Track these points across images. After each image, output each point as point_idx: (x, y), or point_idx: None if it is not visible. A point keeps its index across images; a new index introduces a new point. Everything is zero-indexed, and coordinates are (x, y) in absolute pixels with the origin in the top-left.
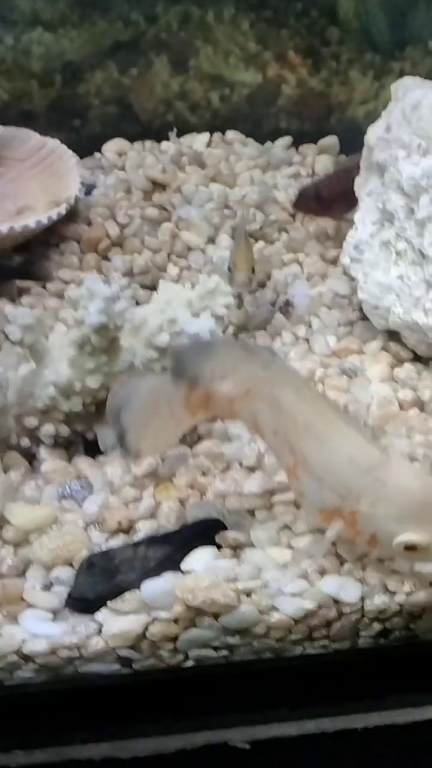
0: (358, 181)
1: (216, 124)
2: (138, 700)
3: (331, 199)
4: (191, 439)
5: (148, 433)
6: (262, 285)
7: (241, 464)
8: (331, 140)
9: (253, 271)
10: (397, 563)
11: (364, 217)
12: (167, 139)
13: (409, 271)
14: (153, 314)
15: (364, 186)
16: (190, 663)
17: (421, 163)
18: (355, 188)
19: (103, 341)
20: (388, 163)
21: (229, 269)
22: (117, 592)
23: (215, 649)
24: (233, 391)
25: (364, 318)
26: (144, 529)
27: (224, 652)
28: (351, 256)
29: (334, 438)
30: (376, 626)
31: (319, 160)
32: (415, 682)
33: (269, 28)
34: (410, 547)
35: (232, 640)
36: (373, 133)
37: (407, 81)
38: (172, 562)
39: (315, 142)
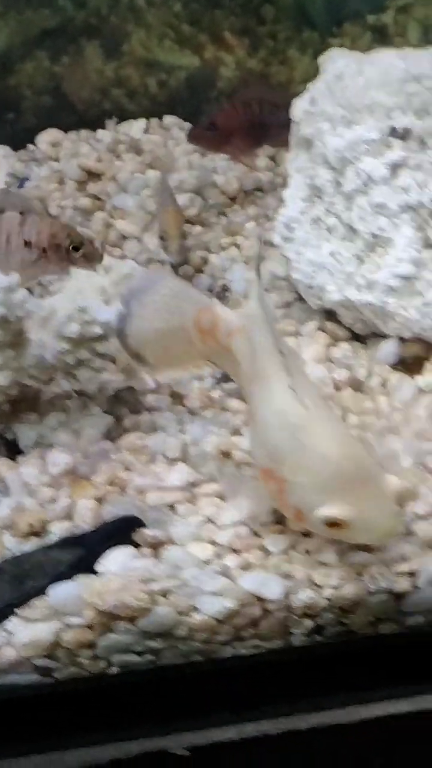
0: (289, 157)
1: (155, 111)
2: (65, 711)
3: (228, 132)
4: (116, 433)
5: (158, 339)
6: (198, 271)
7: (165, 456)
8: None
9: (184, 236)
10: (324, 554)
11: (294, 194)
12: (104, 127)
13: (341, 247)
14: (62, 304)
15: (294, 162)
16: (115, 669)
17: (345, 134)
18: (286, 165)
19: (7, 335)
20: (314, 137)
21: (161, 238)
22: (26, 598)
23: (138, 654)
24: (235, 321)
25: (301, 299)
26: (57, 530)
27: (149, 657)
28: (282, 235)
29: (269, 386)
30: (308, 623)
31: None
32: (359, 679)
33: (202, 9)
34: (333, 524)
35: (155, 644)
36: (299, 107)
37: (334, 52)
38: (86, 565)
39: None
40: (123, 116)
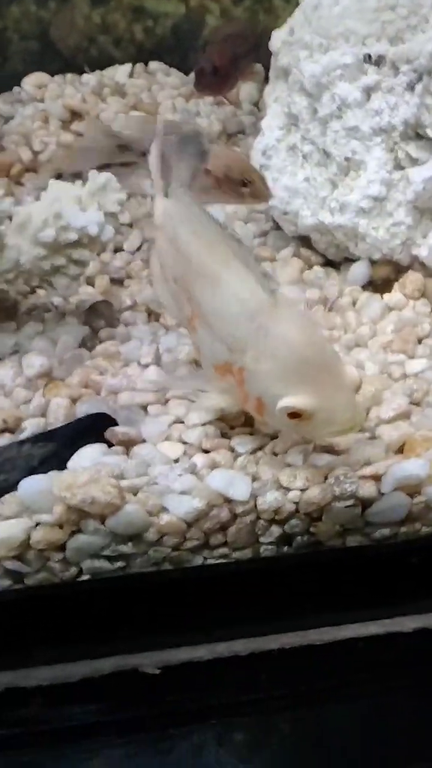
0: (267, 89)
1: (141, 58)
2: (35, 622)
3: (226, 70)
4: (92, 343)
5: None
6: None
7: (139, 363)
8: (256, 68)
9: None
10: (290, 455)
11: (271, 122)
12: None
13: (315, 173)
14: (38, 211)
15: (272, 93)
16: (86, 576)
17: (321, 60)
18: (264, 96)
19: None
20: (291, 66)
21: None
22: None
23: (109, 559)
24: (158, 217)
25: (278, 227)
26: (31, 427)
27: (120, 563)
28: (259, 163)
29: (224, 277)
30: (275, 530)
31: (244, 88)
32: (329, 597)
33: None
34: (294, 414)
35: (125, 548)
36: (277, 38)
37: None
38: (58, 460)
39: None
40: (109, 62)
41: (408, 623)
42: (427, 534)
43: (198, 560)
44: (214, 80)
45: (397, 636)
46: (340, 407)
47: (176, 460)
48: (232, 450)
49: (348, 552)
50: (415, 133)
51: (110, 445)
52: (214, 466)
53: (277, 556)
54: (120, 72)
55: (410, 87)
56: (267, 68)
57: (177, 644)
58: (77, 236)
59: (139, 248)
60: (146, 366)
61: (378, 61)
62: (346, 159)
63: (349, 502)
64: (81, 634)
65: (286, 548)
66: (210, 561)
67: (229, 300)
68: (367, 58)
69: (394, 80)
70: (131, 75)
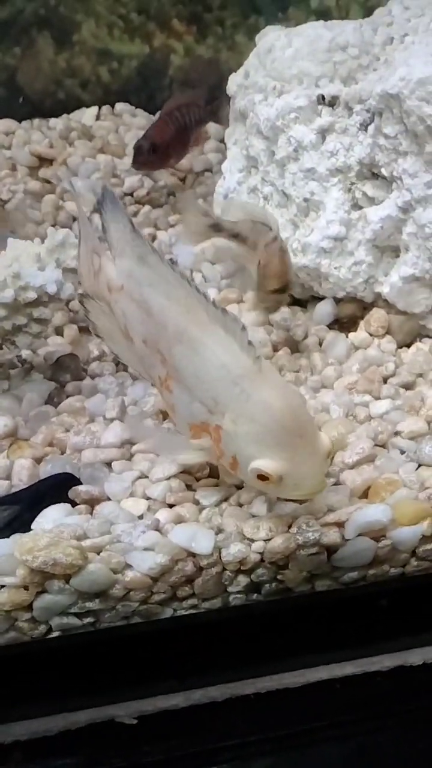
0: (228, 132)
1: (108, 100)
2: (8, 679)
3: (166, 147)
4: (58, 398)
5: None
6: None
7: (104, 417)
8: (210, 132)
9: None
10: (254, 505)
11: (231, 165)
12: (57, 116)
13: (276, 214)
14: None
15: (231, 135)
16: (56, 633)
17: (276, 103)
18: (225, 138)
19: None
20: (247, 109)
21: None
22: None
23: (77, 616)
24: (115, 280)
25: (244, 268)
26: None
27: (89, 619)
28: (222, 207)
29: (206, 343)
30: (242, 579)
31: (210, 125)
32: (303, 640)
33: None
34: (263, 476)
35: (92, 604)
36: (233, 82)
37: (267, 29)
38: (21, 523)
39: None
40: (77, 105)
41: (385, 662)
42: (396, 575)
43: (168, 612)
44: (152, 158)
45: (374, 675)
46: (308, 475)
47: (140, 517)
48: (197, 503)
49: (317, 596)
50: (370, 172)
51: (74, 504)
52: (178, 520)
53: (246, 604)
54: (87, 115)
55: (364, 127)
56: None
57: (153, 693)
58: (36, 295)
59: None
60: (111, 420)
61: (332, 102)
62: (305, 200)
63: (314, 550)
64: (56, 689)
65: (255, 595)
66: (180, 612)
67: (212, 365)
68: (321, 99)
69: (348, 121)
70: (98, 117)
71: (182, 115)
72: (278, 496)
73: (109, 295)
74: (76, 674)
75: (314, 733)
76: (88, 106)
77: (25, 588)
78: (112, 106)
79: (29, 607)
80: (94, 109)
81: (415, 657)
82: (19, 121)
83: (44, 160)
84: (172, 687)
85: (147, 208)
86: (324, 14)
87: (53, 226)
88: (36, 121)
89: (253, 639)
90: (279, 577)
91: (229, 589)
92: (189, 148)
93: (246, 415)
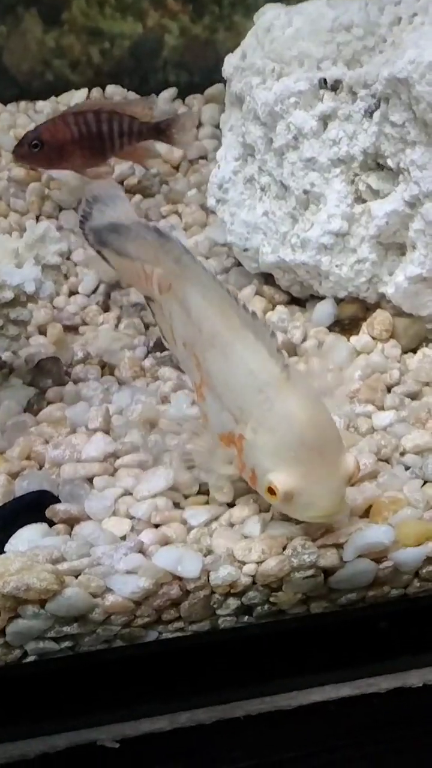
0: (223, 117)
1: (99, 82)
2: None
3: (58, 147)
4: (38, 406)
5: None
6: None
7: (86, 428)
8: (217, 89)
9: None
10: (247, 525)
11: (226, 153)
12: (45, 99)
13: (274, 206)
14: None
15: (227, 121)
16: (32, 658)
17: (274, 87)
18: (220, 124)
19: None
20: (244, 93)
21: None
22: None
23: (55, 640)
24: (162, 281)
25: (239, 264)
26: None
27: (67, 643)
28: (216, 197)
29: (236, 348)
30: (232, 602)
31: (206, 109)
32: (295, 662)
33: None
34: (272, 491)
35: (70, 629)
36: (229, 63)
37: (267, 7)
38: None
39: (203, 92)
40: (66, 87)
41: (382, 683)
42: (397, 596)
43: (153, 635)
44: (35, 154)
45: (371, 697)
46: (323, 495)
47: (123, 537)
48: (185, 522)
49: (313, 618)
50: (375, 163)
51: (51, 524)
52: (164, 541)
53: (237, 627)
54: (76, 98)
55: (368, 114)
56: None
57: (136, 716)
58: (13, 295)
59: (95, 291)
60: (94, 431)
61: (335, 86)
62: (305, 192)
63: (309, 572)
64: (34, 712)
65: (246, 618)
66: (166, 635)
67: (240, 372)
68: (323, 83)
69: (352, 107)
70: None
71: (97, 121)
72: (291, 515)
73: (159, 295)
74: (56, 697)
75: (309, 758)
76: (77, 89)
77: None
78: (103, 89)
79: (1, 632)
80: (84, 92)
81: (414, 678)
82: (5, 104)
83: None
84: (156, 710)
85: (138, 197)
86: None
87: (38, 216)
88: (22, 103)
89: (244, 660)
90: (272, 599)
91: (218, 612)
92: (106, 160)
93: (267, 424)
